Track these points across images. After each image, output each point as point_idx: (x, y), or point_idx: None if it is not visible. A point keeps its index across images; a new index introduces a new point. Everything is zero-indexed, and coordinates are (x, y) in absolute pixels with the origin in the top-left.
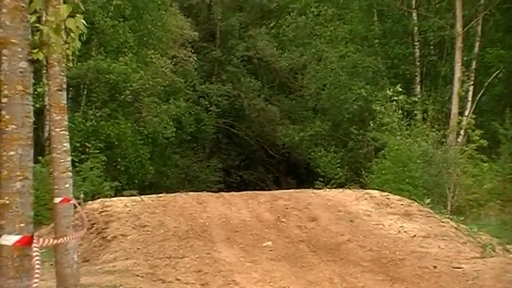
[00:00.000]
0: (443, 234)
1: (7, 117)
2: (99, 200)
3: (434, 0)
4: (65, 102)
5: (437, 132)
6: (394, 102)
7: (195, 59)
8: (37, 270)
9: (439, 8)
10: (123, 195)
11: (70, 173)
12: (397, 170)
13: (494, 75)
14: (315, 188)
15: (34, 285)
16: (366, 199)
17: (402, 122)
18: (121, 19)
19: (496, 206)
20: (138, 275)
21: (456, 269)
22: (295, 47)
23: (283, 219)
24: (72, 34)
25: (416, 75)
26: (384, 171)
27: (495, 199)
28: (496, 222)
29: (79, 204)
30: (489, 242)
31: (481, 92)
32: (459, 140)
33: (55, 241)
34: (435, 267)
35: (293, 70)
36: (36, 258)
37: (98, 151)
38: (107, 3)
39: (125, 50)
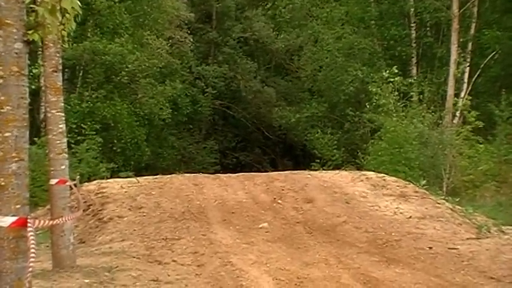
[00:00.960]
0: (438, 215)
1: (2, 98)
2: (95, 182)
3: None
4: (61, 83)
5: (433, 113)
6: (390, 84)
7: (191, 40)
8: (33, 252)
9: None
10: (119, 177)
11: (66, 155)
12: (393, 151)
13: (490, 56)
14: (311, 170)
15: (30, 266)
16: (362, 181)
17: (398, 104)
18: (117, 0)
19: (492, 187)
20: (134, 257)
21: (451, 250)
22: (291, 29)
23: (280, 201)
24: (67, 15)
25: (413, 57)
26: (380, 153)
27: (490, 180)
28: (492, 203)
29: (75, 185)
30: (484, 223)
31: (477, 73)
32: (455, 121)
33: (51, 222)
34: (431, 248)
35: (289, 52)
36: (32, 239)
37: (93, 132)
38: None
39: (121, 31)
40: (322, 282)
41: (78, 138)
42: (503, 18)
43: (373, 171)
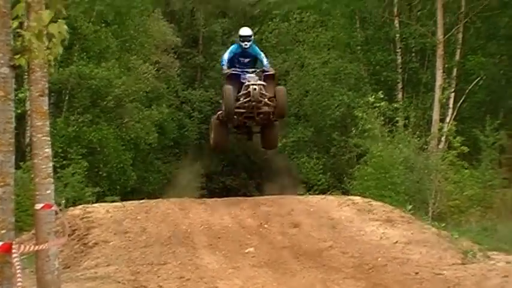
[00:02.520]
0: (424, 240)
1: None
2: (80, 206)
3: (416, 8)
4: (47, 107)
5: (418, 138)
6: (376, 109)
7: (178, 64)
8: (18, 277)
9: (420, 15)
10: (105, 201)
11: (51, 179)
12: (379, 176)
13: (474, 82)
14: (297, 194)
15: None
16: (348, 205)
17: (384, 129)
18: (103, 24)
19: (477, 213)
20: (119, 282)
21: (438, 275)
22: (278, 53)
23: (266, 226)
24: (54, 39)
25: (398, 82)
26: (366, 178)
27: (476, 205)
28: (477, 228)
29: (60, 210)
30: (470, 249)
31: (462, 99)
32: (440, 146)
33: (36, 248)
34: (417, 273)
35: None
36: (17, 265)
37: (79, 157)
38: (89, 9)
39: (107, 56)
40: None
41: (64, 162)
42: (488, 44)
43: (360, 196)
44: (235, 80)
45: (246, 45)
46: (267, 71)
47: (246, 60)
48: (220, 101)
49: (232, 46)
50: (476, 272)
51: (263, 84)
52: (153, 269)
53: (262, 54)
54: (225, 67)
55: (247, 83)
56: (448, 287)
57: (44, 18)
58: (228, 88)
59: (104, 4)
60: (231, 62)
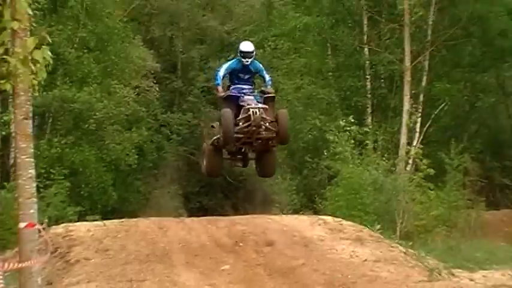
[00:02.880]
0: (392, 258)
1: None
2: (62, 225)
3: (385, 36)
4: (31, 130)
5: (387, 161)
6: (347, 132)
7: (157, 89)
8: None
9: (388, 43)
10: (86, 220)
11: (35, 199)
12: (349, 197)
13: (440, 107)
14: (271, 214)
15: None
16: (319, 225)
17: (354, 151)
18: (85, 50)
19: (442, 232)
20: None
21: None
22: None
23: (241, 244)
24: (38, 65)
25: (368, 107)
26: (336, 198)
27: (441, 225)
28: (442, 247)
29: (43, 229)
30: (436, 266)
31: (428, 123)
32: (408, 168)
33: (19, 265)
34: None
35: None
36: (1, 281)
37: (62, 177)
38: (72, 35)
39: (89, 80)
40: None
41: (47, 182)
42: (452, 72)
43: (331, 215)
44: (233, 102)
45: (247, 61)
46: (268, 92)
47: (246, 76)
48: (202, 125)
49: (232, 61)
50: None
51: (264, 108)
52: (132, 285)
53: (265, 71)
54: (220, 87)
55: (247, 106)
56: None
57: (29, 44)
58: (227, 111)
59: (86, 31)
60: (230, 77)
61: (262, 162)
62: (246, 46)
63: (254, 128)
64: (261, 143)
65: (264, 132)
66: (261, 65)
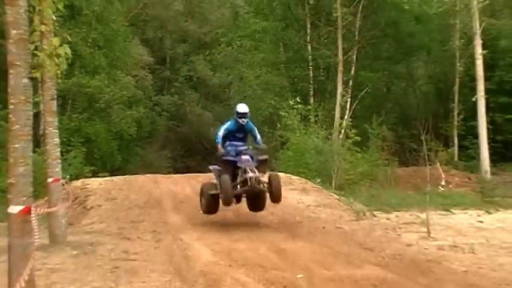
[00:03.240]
0: (329, 204)
1: (13, 119)
2: (80, 180)
3: (323, 37)
4: (55, 108)
5: (325, 131)
6: (295, 110)
7: (151, 77)
8: (35, 232)
9: (326, 42)
10: (98, 176)
11: (59, 160)
12: (297, 158)
13: (364, 91)
14: None
15: (34, 242)
16: None
17: (300, 124)
18: (96, 48)
19: (366, 184)
20: (109, 234)
21: (339, 229)
22: (224, 69)
23: None
24: (60, 59)
25: (310, 90)
26: (287, 159)
27: (365, 179)
28: (366, 195)
29: (66, 183)
30: (361, 209)
31: (356, 102)
32: (340, 136)
33: (48, 210)
34: (324, 227)
35: (222, 86)
36: (34, 222)
37: (79, 144)
38: (86, 36)
39: (99, 71)
40: (246, 252)
41: (68, 148)
42: (373, 63)
43: (283, 172)
44: (230, 163)
45: (243, 121)
46: (262, 159)
47: (241, 135)
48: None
49: (229, 123)
50: (365, 225)
51: (259, 173)
52: (134, 225)
53: (256, 131)
54: (219, 146)
55: (243, 168)
56: (346, 236)
57: (54, 43)
58: (226, 178)
59: (96, 33)
60: (226, 135)
61: (254, 202)
62: (242, 108)
63: (250, 189)
64: (255, 195)
65: (258, 190)
66: (254, 126)
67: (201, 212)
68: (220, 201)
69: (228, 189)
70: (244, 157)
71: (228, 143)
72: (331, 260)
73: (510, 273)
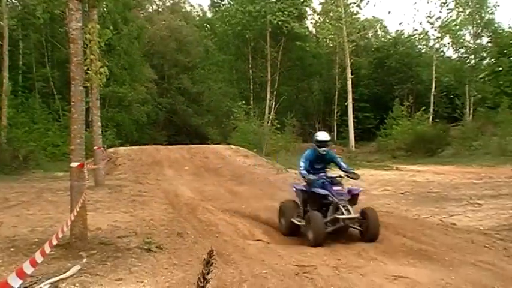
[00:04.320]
0: (261, 164)
1: (73, 111)
2: (112, 148)
3: (259, 65)
4: (99, 105)
5: (259, 121)
6: (241, 108)
7: (155, 87)
8: (86, 178)
9: (261, 68)
10: (123, 146)
11: (100, 136)
12: (242, 137)
13: (283, 97)
14: (207, 144)
15: (85, 184)
16: (229, 149)
17: (244, 117)
18: (123, 69)
19: (283, 152)
20: (130, 181)
21: (267, 179)
22: (199, 83)
23: (193, 157)
24: (101, 75)
25: (251, 97)
26: (237, 138)
27: (283, 149)
28: (283, 159)
29: (104, 149)
30: (280, 167)
31: (278, 104)
32: (268, 124)
33: (94, 166)
34: (258, 178)
35: (198, 93)
36: (85, 172)
37: (112, 127)
38: (117, 62)
39: (125, 83)
40: (212, 192)
41: (106, 129)
42: (288, 81)
43: (234, 145)
44: (320, 197)
45: (323, 151)
46: (355, 192)
47: (319, 166)
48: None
49: (307, 152)
50: (283, 177)
51: (351, 206)
52: (144, 175)
53: (339, 159)
54: (306, 177)
55: (335, 203)
56: (270, 183)
57: (98, 65)
58: (318, 217)
59: (124, 60)
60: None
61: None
62: (322, 136)
63: (343, 228)
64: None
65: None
66: (334, 154)
67: (281, 232)
68: (308, 236)
69: (321, 229)
70: (336, 188)
71: (311, 177)
72: (261, 197)
73: None
